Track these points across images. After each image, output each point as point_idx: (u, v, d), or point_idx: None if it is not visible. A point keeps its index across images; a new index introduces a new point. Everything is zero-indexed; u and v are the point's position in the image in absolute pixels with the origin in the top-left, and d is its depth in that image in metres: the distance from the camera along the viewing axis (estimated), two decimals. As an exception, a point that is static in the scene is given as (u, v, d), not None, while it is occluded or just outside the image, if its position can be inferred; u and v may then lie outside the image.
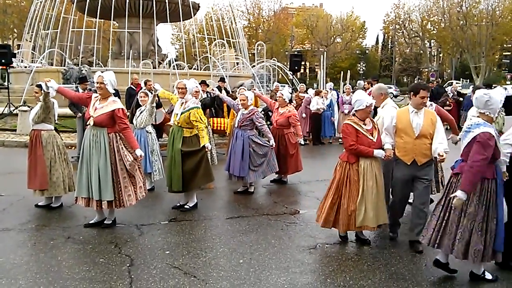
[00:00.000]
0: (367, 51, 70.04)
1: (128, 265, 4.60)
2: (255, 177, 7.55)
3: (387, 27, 63.32)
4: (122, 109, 5.53)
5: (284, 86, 18.07)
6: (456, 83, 30.95)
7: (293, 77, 21.31)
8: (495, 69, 58.74)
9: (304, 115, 13.39)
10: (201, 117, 6.38)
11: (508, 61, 62.12)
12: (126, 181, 5.57)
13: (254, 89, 9.55)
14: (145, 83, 10.82)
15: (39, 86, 6.27)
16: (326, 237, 5.59)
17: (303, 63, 50.72)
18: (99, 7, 20.97)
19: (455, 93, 18.30)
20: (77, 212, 6.33)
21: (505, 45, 56.57)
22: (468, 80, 48.15)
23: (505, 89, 23.64)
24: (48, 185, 6.31)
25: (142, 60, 20.91)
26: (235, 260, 4.77)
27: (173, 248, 5.09)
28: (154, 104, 7.32)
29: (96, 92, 5.66)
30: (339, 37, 62.13)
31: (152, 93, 7.06)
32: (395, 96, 37.51)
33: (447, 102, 17.66)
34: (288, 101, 8.44)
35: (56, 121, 6.75)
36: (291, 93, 13.35)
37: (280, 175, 8.37)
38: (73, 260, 4.73)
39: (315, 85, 35.15)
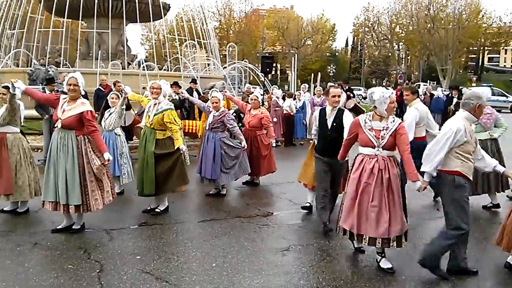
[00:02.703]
0: (337, 54, 70.87)
1: (97, 271, 4.50)
2: (227, 180, 7.51)
3: (356, 29, 64.24)
4: (91, 111, 5.42)
5: (256, 88, 18.11)
6: (424, 85, 31.62)
7: (264, 79, 21.33)
8: (461, 71, 60.23)
9: (275, 119, 13.23)
10: (175, 119, 6.28)
11: (474, 63, 63.94)
12: (93, 185, 5.45)
13: (225, 91, 9.49)
14: (114, 84, 10.67)
15: (6, 87, 6.08)
16: (298, 238, 5.61)
17: (274, 65, 50.89)
18: (67, 6, 20.54)
19: (428, 94, 18.77)
20: (44, 217, 6.16)
21: (471, 48, 58.12)
22: (435, 82, 49.21)
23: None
24: (14, 189, 6.11)
25: (111, 60, 20.57)
26: (207, 264, 4.72)
27: (144, 253, 5.00)
28: (124, 107, 7.19)
29: (64, 93, 5.53)
30: (309, 40, 62.66)
31: (122, 95, 6.94)
32: (364, 98, 38.05)
33: (418, 105, 18.07)
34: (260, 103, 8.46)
35: (22, 123, 6.56)
36: (262, 95, 13.38)
37: (252, 176, 8.36)
38: (40, 267, 4.60)
39: (286, 87, 35.36)
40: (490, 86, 35.48)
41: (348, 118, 5.49)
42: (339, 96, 5.62)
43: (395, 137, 4.48)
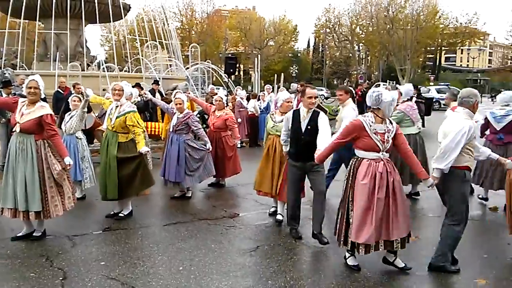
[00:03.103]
0: (299, 54, 71.48)
1: (61, 278, 4.38)
2: (192, 182, 7.45)
3: (318, 30, 64.92)
4: (50, 114, 5.27)
5: (219, 89, 18.07)
6: (383, 84, 32.23)
7: (228, 80, 21.29)
8: (419, 71, 61.80)
9: (239, 119, 13.27)
10: (139, 121, 6.16)
11: (432, 63, 65.85)
12: (53, 190, 5.29)
13: (189, 93, 9.42)
14: (74, 87, 10.42)
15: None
16: (265, 238, 5.62)
17: (237, 65, 50.91)
18: (23, 7, 19.93)
19: None
20: (3, 224, 5.93)
21: (428, 48, 59.84)
22: (395, 81, 50.33)
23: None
24: (-30, 197, 5.88)
25: (70, 62, 20.05)
26: (174, 268, 4.67)
27: (108, 259, 4.90)
28: (85, 109, 7.03)
29: (22, 97, 5.35)
30: (272, 40, 62.94)
31: (83, 98, 6.78)
32: (326, 98, 38.57)
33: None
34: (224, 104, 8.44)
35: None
36: (226, 96, 13.35)
37: (218, 178, 8.33)
38: (1, 276, 4.43)
39: (249, 88, 35.41)
40: (447, 85, 36.62)
41: (323, 120, 5.25)
42: (315, 97, 5.34)
43: (395, 138, 4.45)
